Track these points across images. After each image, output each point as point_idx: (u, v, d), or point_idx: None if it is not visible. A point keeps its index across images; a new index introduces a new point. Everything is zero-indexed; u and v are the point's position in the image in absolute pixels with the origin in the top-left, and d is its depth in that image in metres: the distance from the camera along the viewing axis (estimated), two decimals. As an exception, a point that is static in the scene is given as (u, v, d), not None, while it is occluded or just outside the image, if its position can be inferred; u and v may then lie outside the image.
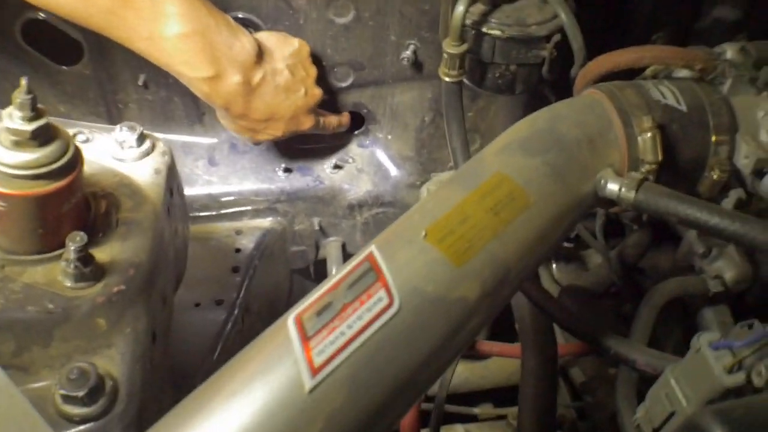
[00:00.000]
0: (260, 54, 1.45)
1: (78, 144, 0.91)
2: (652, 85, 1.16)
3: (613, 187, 1.06)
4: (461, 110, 1.32)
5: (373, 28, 1.61)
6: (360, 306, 0.80)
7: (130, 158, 1.14)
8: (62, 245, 0.90)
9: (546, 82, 1.36)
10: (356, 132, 1.81)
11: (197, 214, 1.79)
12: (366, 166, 1.82)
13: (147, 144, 1.15)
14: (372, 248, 0.89)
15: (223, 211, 1.80)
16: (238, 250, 1.76)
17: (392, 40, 1.62)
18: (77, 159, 0.89)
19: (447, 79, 1.30)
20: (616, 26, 1.60)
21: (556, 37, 1.28)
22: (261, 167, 1.80)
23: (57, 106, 1.70)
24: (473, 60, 1.33)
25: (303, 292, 1.95)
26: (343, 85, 1.70)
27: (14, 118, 0.84)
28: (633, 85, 1.15)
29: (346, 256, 1.91)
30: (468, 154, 1.32)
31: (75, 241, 0.87)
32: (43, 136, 0.85)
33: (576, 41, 1.22)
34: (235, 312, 1.65)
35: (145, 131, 1.16)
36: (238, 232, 1.80)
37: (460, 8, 1.23)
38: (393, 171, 1.83)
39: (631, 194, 1.04)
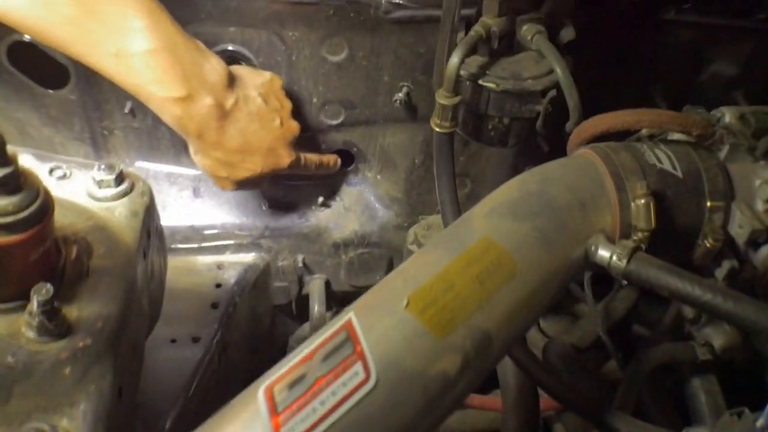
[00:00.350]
0: (231, 78, 1.40)
1: (49, 190, 0.87)
2: (647, 148, 1.13)
3: (604, 254, 1.03)
4: (452, 162, 1.29)
5: (367, 68, 1.58)
6: (335, 380, 0.77)
7: (107, 198, 1.10)
8: (28, 295, 0.86)
9: (540, 135, 1.33)
10: (346, 170, 1.78)
11: (179, 245, 1.75)
12: (354, 205, 1.79)
13: (126, 184, 1.12)
14: (350, 315, 0.85)
15: (205, 244, 1.76)
16: (218, 285, 1.72)
17: (385, 80, 1.59)
18: (47, 208, 0.85)
19: (438, 129, 1.27)
20: (614, 79, 1.58)
21: (552, 93, 1.25)
22: (246, 201, 1.76)
23: (41, 129, 1.66)
24: (467, 111, 1.30)
25: (284, 328, 1.97)
26: (334, 122, 1.67)
27: (-20, 165, 0.80)
28: (628, 148, 1.12)
29: (330, 293, 1.88)
30: (457, 208, 1.29)
31: (40, 293, 0.83)
32: (10, 184, 0.81)
33: (572, 99, 1.19)
34: (212, 350, 1.61)
35: (124, 170, 1.13)
36: (220, 267, 1.76)
37: (454, 59, 1.20)
38: (381, 211, 1.80)
39: (623, 263, 1.01)
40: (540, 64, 1.28)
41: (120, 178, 1.11)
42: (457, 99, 1.23)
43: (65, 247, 0.95)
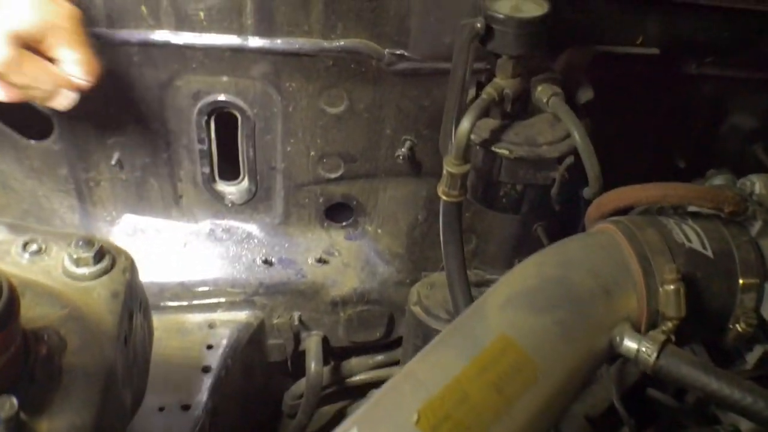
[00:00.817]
0: None
1: (14, 287, 0.77)
2: (674, 224, 1.04)
3: (630, 345, 0.94)
4: (460, 231, 1.20)
5: (368, 121, 1.49)
6: None
7: (85, 277, 1.00)
8: (-12, 405, 0.76)
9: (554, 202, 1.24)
10: (344, 224, 1.69)
11: (167, 303, 1.65)
12: (353, 261, 1.70)
13: (106, 261, 1.02)
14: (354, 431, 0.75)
15: (195, 302, 1.66)
16: (209, 347, 1.62)
17: (387, 133, 1.50)
18: (12, 311, 0.75)
19: (446, 198, 1.17)
20: (631, 134, 1.49)
21: (569, 160, 1.16)
22: (239, 257, 1.67)
23: (24, 181, 1.57)
24: (477, 177, 1.22)
25: (279, 384, 1.87)
26: (333, 176, 1.58)
27: (-64, 265, 0.71)
28: (654, 224, 1.03)
29: (327, 348, 1.78)
30: (465, 279, 1.20)
31: (4, 409, 0.73)
32: (-33, 287, 0.72)
33: (592, 169, 1.10)
34: (202, 418, 1.51)
35: (104, 244, 1.03)
36: (211, 326, 1.66)
37: (465, 125, 1.11)
38: (381, 267, 1.70)
39: (651, 358, 0.92)
40: (555, 127, 1.19)
41: (99, 255, 1.01)
42: (466, 167, 1.14)
43: (34, 345, 0.85)
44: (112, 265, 1.02)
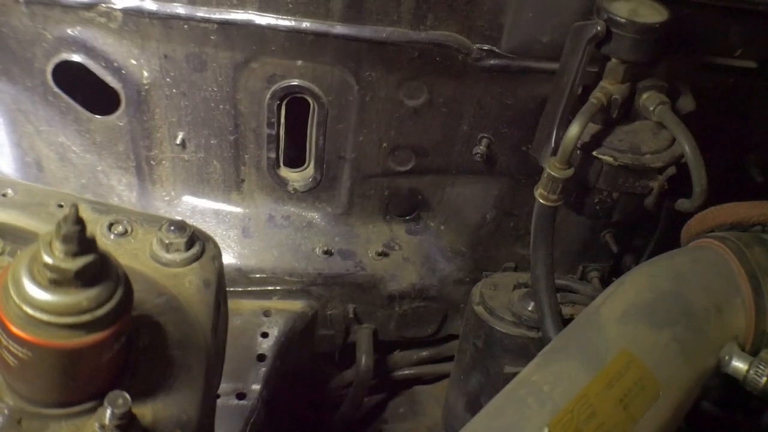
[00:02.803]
0: None
1: (128, 277, 0.74)
2: (780, 243, 1.00)
3: (739, 365, 0.91)
4: (552, 237, 1.16)
5: (445, 115, 1.45)
6: None
7: (176, 263, 0.97)
8: (95, 396, 0.73)
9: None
10: (407, 218, 1.65)
11: (223, 289, 1.62)
12: (413, 256, 1.66)
13: (196, 247, 0.98)
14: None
15: (251, 288, 1.63)
16: (264, 335, 1.59)
17: (464, 129, 1.47)
18: (127, 301, 0.72)
19: (543, 201, 1.13)
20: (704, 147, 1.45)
21: (671, 170, 1.12)
22: (299, 245, 1.63)
23: (83, 155, 1.54)
24: (572, 181, 1.17)
25: (323, 374, 1.84)
26: (402, 169, 1.54)
27: (55, 252, 0.67)
28: (760, 242, 1.00)
29: (377, 343, 1.75)
30: (552, 284, 1.17)
31: (116, 405, 0.70)
32: (89, 275, 0.68)
33: (700, 182, 1.06)
34: (258, 406, 1.48)
35: (196, 230, 0.99)
36: (266, 314, 1.63)
37: (575, 130, 1.07)
38: (442, 264, 1.67)
39: (762, 381, 0.88)
40: (659, 136, 1.15)
41: (191, 241, 0.98)
42: (570, 171, 1.10)
43: (136, 336, 0.81)
44: (202, 252, 0.99)
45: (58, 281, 0.68)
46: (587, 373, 0.79)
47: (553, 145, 1.13)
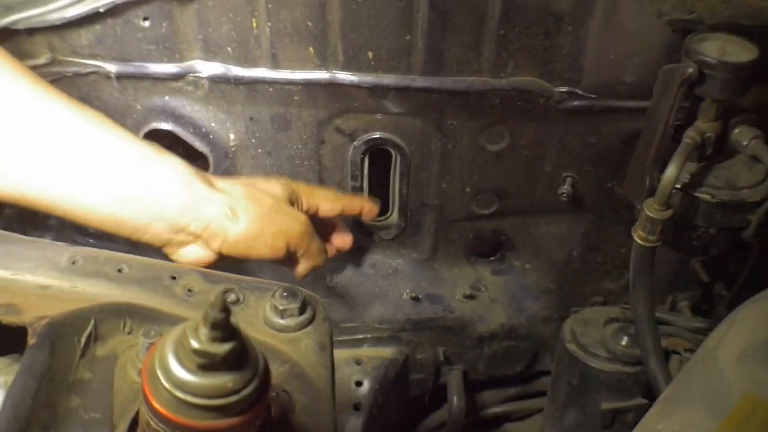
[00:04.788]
0: None
1: (266, 359, 0.76)
2: None
3: None
4: (652, 277, 1.16)
5: (528, 157, 1.46)
6: None
7: (290, 328, 0.99)
8: (236, 471, 0.75)
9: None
10: (491, 258, 1.66)
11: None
12: (500, 296, 1.67)
13: (309, 311, 1.01)
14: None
15: (342, 338, 1.65)
16: (358, 383, 1.61)
17: (547, 170, 1.48)
18: (267, 384, 0.74)
19: (642, 243, 1.14)
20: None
21: (768, 203, 1.12)
22: (386, 292, 1.65)
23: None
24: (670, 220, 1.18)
25: (414, 419, 1.85)
26: (485, 212, 1.55)
27: (201, 337, 0.69)
28: None
29: (467, 383, 1.76)
30: (654, 324, 1.17)
31: (260, 484, 0.72)
32: (233, 360, 0.70)
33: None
34: (358, 458, 1.50)
35: (307, 294, 1.02)
36: (358, 362, 1.65)
37: (672, 171, 1.07)
38: (528, 302, 1.67)
39: None
40: (753, 170, 1.15)
41: (304, 305, 1.00)
42: (669, 213, 1.10)
43: (269, 407, 0.84)
44: (314, 315, 1.01)
45: (205, 366, 0.70)
46: (713, 420, 0.79)
47: (648, 185, 1.14)
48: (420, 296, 1.65)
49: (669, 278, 1.61)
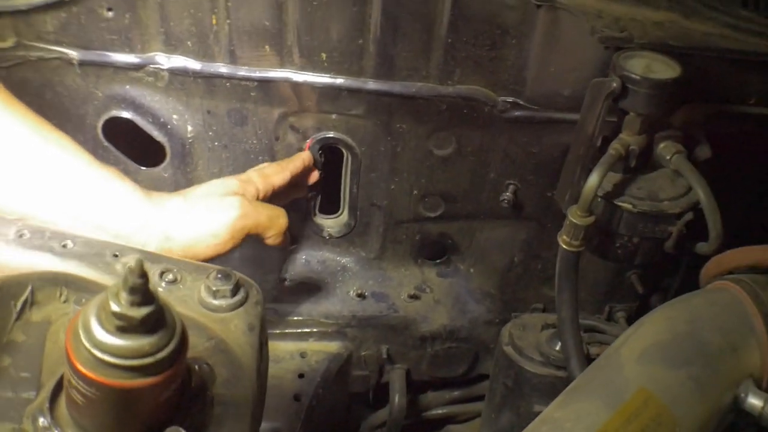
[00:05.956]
0: None
1: (184, 324, 0.81)
2: (795, 284, 1.05)
3: (755, 402, 0.96)
4: (576, 281, 1.22)
5: (473, 164, 1.52)
6: None
7: (222, 308, 1.04)
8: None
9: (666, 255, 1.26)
10: (437, 261, 1.72)
11: (261, 331, 1.69)
12: (444, 298, 1.72)
13: (241, 293, 1.05)
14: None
15: (288, 330, 1.70)
16: (301, 375, 1.65)
17: (491, 177, 1.54)
18: (183, 346, 0.79)
19: (566, 247, 1.20)
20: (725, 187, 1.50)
21: (688, 216, 1.18)
22: (333, 288, 1.70)
23: (131, 205, 1.62)
24: (594, 227, 1.23)
25: (357, 413, 1.89)
26: (432, 215, 1.61)
27: (121, 301, 0.74)
28: (775, 284, 1.05)
29: (409, 383, 1.80)
30: (578, 326, 1.23)
31: (173, 441, 0.77)
32: (150, 323, 0.75)
33: (715, 227, 1.12)
34: (294, 446, 1.54)
35: (240, 278, 1.07)
36: (303, 355, 1.69)
37: (594, 179, 1.13)
38: (472, 305, 1.73)
39: (777, 415, 0.93)
40: (676, 183, 1.21)
41: (236, 287, 1.05)
42: (591, 219, 1.16)
43: (187, 376, 0.88)
44: (246, 298, 1.06)
45: (124, 328, 0.75)
46: (607, 410, 0.85)
47: (575, 193, 1.20)
48: (366, 294, 1.70)
49: (607, 289, 1.67)
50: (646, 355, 0.93)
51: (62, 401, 0.82)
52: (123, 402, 0.77)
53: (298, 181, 1.51)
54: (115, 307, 0.74)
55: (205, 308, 1.04)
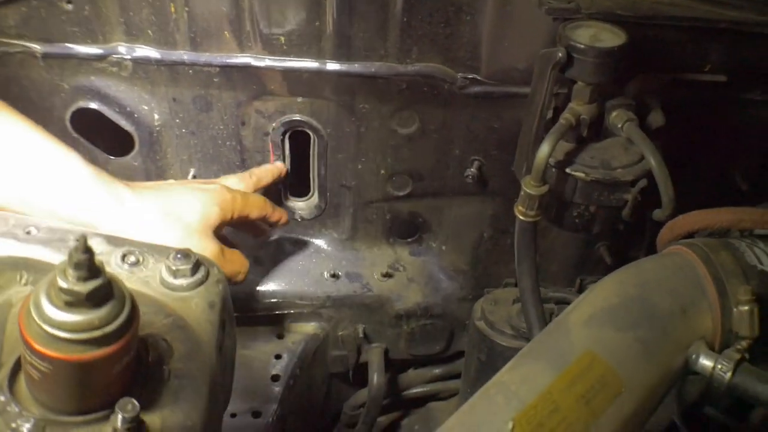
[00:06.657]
0: None
1: (134, 297, 0.83)
2: (746, 247, 1.07)
3: (706, 363, 0.98)
4: (534, 251, 1.24)
5: (437, 141, 1.54)
6: None
7: (183, 288, 1.06)
8: (109, 404, 0.82)
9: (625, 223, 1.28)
10: (409, 240, 1.74)
11: (237, 314, 1.70)
12: (417, 276, 1.74)
13: (201, 272, 1.07)
14: (450, 439, 0.80)
15: (263, 313, 1.72)
16: (278, 356, 1.68)
17: (456, 153, 1.55)
18: (133, 318, 0.81)
19: (522, 218, 1.22)
20: (692, 157, 1.52)
21: (642, 183, 1.20)
22: (308, 270, 1.72)
23: (103, 195, 1.64)
24: (551, 197, 1.25)
25: (338, 394, 1.92)
26: (400, 194, 1.63)
27: (68, 277, 0.76)
28: (727, 247, 1.07)
29: (387, 362, 1.83)
30: (538, 296, 1.24)
31: (126, 410, 0.79)
32: (98, 297, 0.77)
33: (667, 193, 1.14)
34: (272, 424, 1.57)
35: (200, 258, 1.09)
36: (280, 336, 1.72)
37: (545, 149, 1.15)
38: (445, 283, 1.75)
39: (727, 376, 0.95)
40: (629, 151, 1.23)
41: (196, 267, 1.07)
42: (545, 188, 1.18)
43: (144, 350, 0.91)
44: (207, 277, 1.08)
45: (72, 303, 0.77)
46: (552, 372, 0.87)
47: (529, 165, 1.21)
48: (340, 274, 1.72)
49: (576, 262, 1.70)
50: (595, 318, 0.95)
51: (21, 378, 0.84)
52: (76, 375, 0.80)
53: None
54: (62, 283, 0.77)
55: (165, 288, 1.06)
